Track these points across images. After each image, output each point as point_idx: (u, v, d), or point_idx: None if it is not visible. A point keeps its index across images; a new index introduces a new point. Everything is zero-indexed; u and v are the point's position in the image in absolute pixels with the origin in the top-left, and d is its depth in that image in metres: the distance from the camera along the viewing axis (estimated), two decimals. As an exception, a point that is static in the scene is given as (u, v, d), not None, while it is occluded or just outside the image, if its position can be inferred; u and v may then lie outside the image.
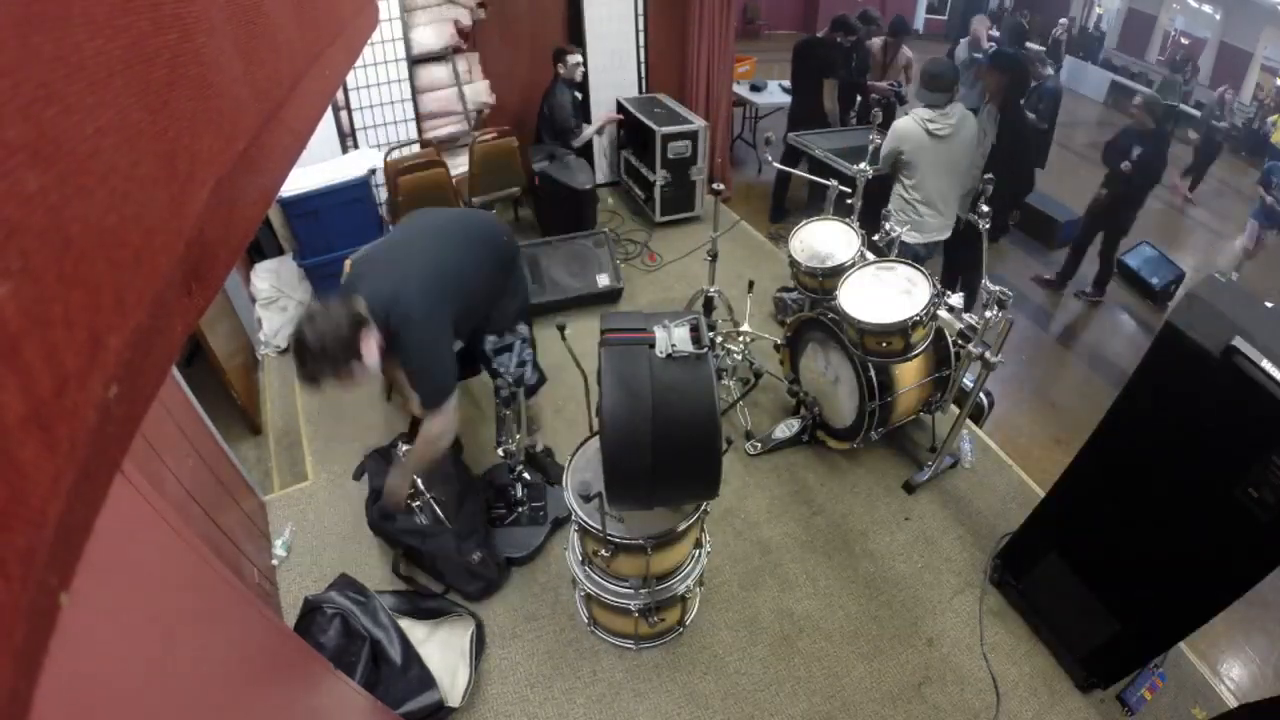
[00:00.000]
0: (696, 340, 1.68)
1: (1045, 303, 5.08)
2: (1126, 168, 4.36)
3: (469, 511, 2.53)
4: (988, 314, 2.42)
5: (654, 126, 4.49)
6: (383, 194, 4.03)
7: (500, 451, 2.45)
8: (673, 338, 1.68)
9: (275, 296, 3.73)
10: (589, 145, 4.79)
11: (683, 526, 1.95)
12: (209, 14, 0.46)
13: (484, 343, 2.32)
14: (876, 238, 3.01)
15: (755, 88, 6.39)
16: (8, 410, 0.23)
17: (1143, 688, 2.24)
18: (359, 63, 3.87)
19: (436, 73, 4.29)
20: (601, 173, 5.30)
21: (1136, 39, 11.96)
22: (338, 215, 3.58)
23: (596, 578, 2.17)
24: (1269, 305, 1.76)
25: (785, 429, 3.14)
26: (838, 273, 2.74)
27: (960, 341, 2.62)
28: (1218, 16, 10.95)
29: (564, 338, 2.04)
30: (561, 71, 4.32)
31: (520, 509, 2.67)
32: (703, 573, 2.26)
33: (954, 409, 2.87)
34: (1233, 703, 2.31)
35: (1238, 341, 1.63)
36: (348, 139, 4.11)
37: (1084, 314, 5.02)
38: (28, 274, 0.25)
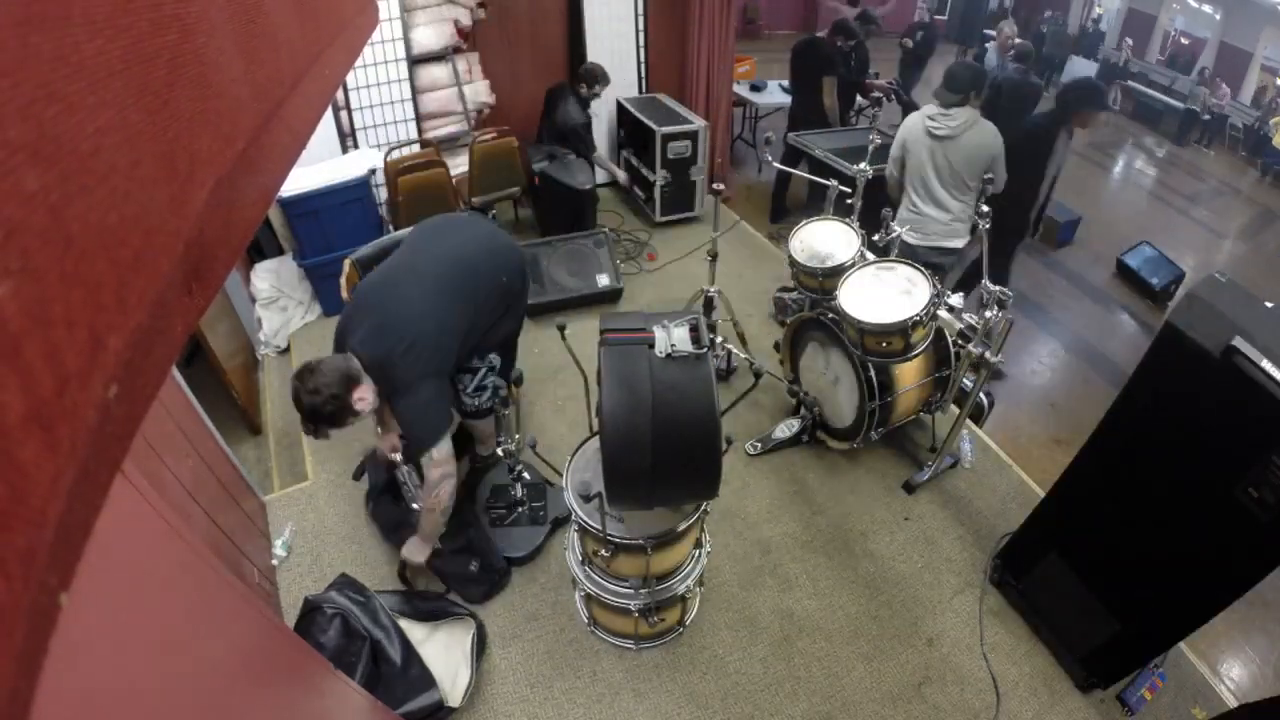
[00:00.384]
0: (696, 340, 1.68)
1: (1045, 303, 5.08)
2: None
3: (453, 526, 2.46)
4: (988, 314, 2.42)
5: (654, 126, 4.49)
6: (383, 194, 4.03)
7: (500, 452, 2.46)
8: (672, 338, 1.68)
9: (275, 296, 3.73)
10: (589, 146, 4.79)
11: (683, 526, 1.95)
12: (209, 14, 0.46)
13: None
14: (876, 238, 3.01)
15: (755, 88, 6.40)
16: (8, 410, 0.23)
17: (1143, 688, 2.24)
18: (359, 63, 3.87)
19: (436, 73, 4.29)
20: (601, 173, 5.30)
21: (1137, 40, 11.96)
22: (338, 215, 3.58)
23: (596, 578, 2.17)
24: (1269, 305, 1.76)
25: (785, 429, 3.14)
26: (838, 273, 2.74)
27: (960, 341, 2.62)
28: (1218, 16, 10.96)
29: (564, 338, 2.04)
30: (584, 91, 4.31)
31: (520, 509, 2.67)
32: (703, 573, 2.26)
33: (954, 409, 2.87)
34: (1233, 703, 2.31)
35: (1238, 341, 1.63)
36: (348, 139, 4.11)
37: (1085, 314, 5.03)
38: (28, 274, 0.25)
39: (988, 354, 2.45)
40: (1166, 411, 1.87)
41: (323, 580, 2.43)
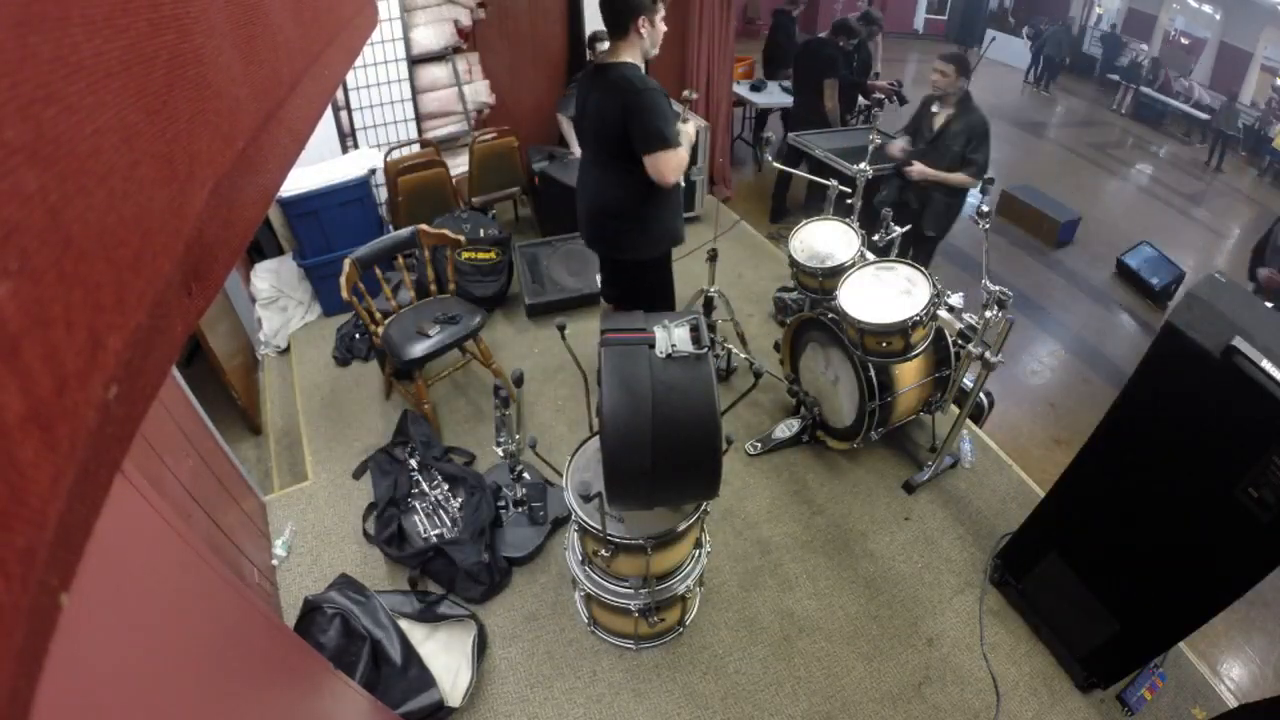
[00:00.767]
0: (696, 340, 1.68)
1: (1045, 303, 5.08)
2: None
3: (478, 513, 2.54)
4: (988, 314, 2.42)
5: (654, 126, 4.48)
6: (383, 194, 4.03)
7: (500, 451, 2.46)
8: (673, 338, 1.68)
9: (275, 296, 3.73)
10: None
11: (683, 526, 1.95)
12: (208, 14, 0.46)
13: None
14: (876, 238, 3.01)
15: (755, 88, 6.40)
16: (8, 410, 0.23)
17: (1143, 688, 2.24)
18: (359, 63, 3.87)
19: (436, 73, 4.29)
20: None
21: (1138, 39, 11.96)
22: (338, 215, 3.59)
23: (596, 578, 2.17)
24: (1269, 305, 1.76)
25: (785, 429, 3.14)
26: (838, 273, 2.74)
27: (960, 341, 2.62)
28: (1218, 16, 10.96)
29: (564, 338, 2.04)
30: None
31: (520, 509, 2.68)
32: (703, 573, 2.26)
33: (954, 409, 2.87)
34: (1233, 703, 2.31)
35: (1238, 341, 1.63)
36: (348, 139, 4.11)
37: (1085, 314, 5.03)
38: (27, 274, 0.25)
39: (988, 354, 2.45)
40: (1166, 411, 1.87)
41: (323, 580, 2.43)
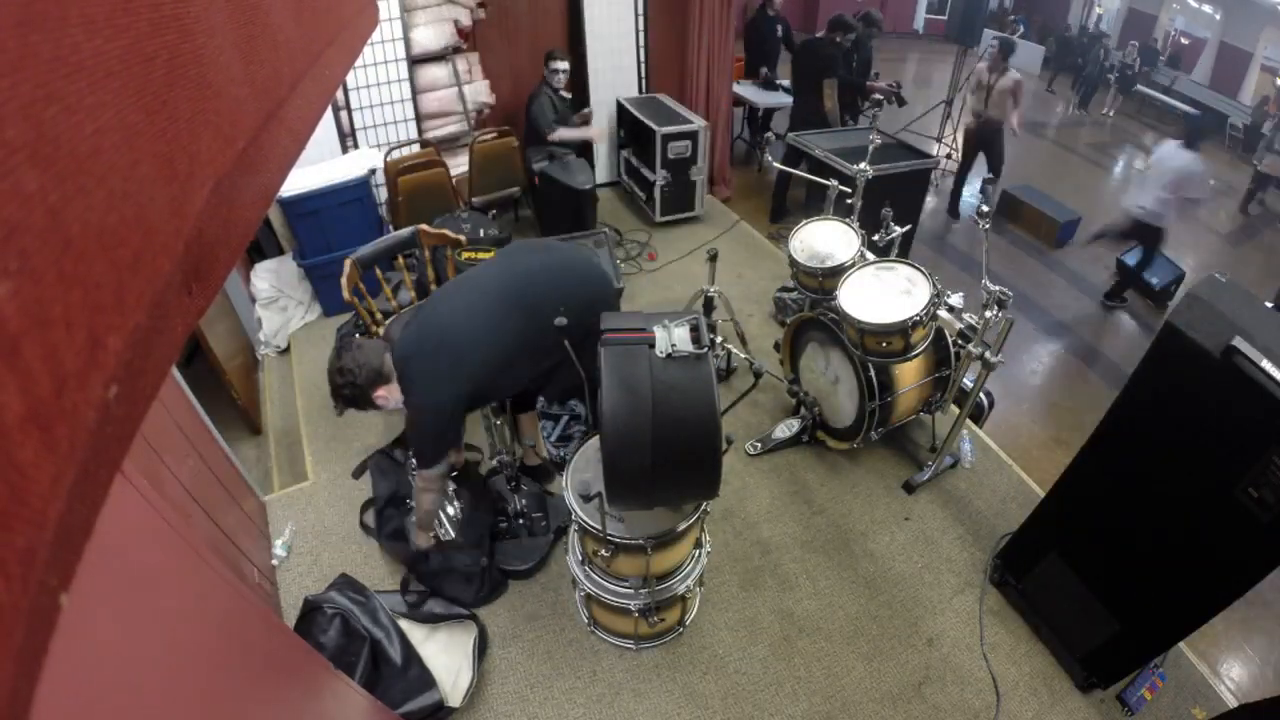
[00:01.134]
0: (696, 340, 1.68)
1: (1045, 303, 5.08)
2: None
3: (479, 519, 2.54)
4: (988, 314, 2.42)
5: (654, 126, 4.49)
6: (383, 194, 4.03)
7: (494, 463, 2.44)
8: (673, 337, 1.68)
9: (275, 296, 3.73)
10: (589, 145, 4.79)
11: (683, 526, 1.95)
12: (208, 14, 0.46)
13: (536, 400, 2.42)
14: (876, 238, 3.01)
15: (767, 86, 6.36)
16: (7, 410, 0.23)
17: (1143, 688, 2.24)
18: (359, 63, 3.87)
19: (436, 73, 4.29)
20: (601, 173, 5.30)
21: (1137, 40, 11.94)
22: (338, 215, 3.59)
23: (596, 578, 2.17)
24: (1269, 305, 1.76)
25: (785, 429, 3.14)
26: (838, 273, 2.74)
27: (960, 341, 2.62)
28: (1218, 16, 10.96)
29: (564, 337, 2.04)
30: (545, 74, 4.31)
31: (520, 520, 2.64)
32: (703, 573, 2.26)
33: (954, 409, 2.87)
34: (1233, 703, 2.31)
35: (1238, 341, 1.63)
36: (348, 139, 4.11)
37: (1085, 314, 5.02)
38: (27, 274, 0.25)
39: (988, 354, 2.45)
40: (1166, 411, 1.87)
41: (323, 580, 2.43)
